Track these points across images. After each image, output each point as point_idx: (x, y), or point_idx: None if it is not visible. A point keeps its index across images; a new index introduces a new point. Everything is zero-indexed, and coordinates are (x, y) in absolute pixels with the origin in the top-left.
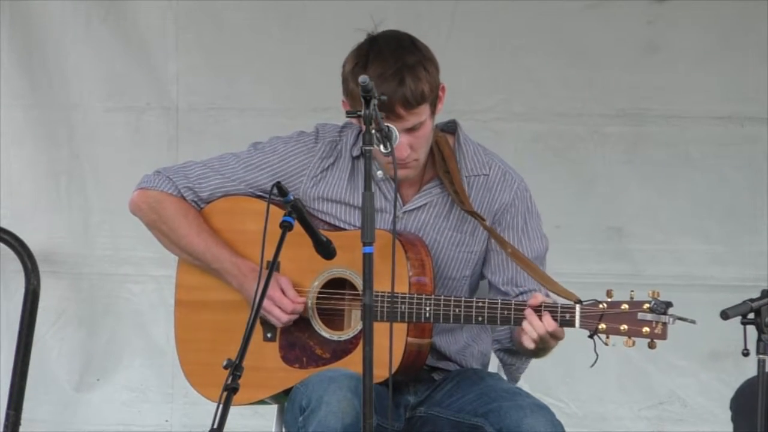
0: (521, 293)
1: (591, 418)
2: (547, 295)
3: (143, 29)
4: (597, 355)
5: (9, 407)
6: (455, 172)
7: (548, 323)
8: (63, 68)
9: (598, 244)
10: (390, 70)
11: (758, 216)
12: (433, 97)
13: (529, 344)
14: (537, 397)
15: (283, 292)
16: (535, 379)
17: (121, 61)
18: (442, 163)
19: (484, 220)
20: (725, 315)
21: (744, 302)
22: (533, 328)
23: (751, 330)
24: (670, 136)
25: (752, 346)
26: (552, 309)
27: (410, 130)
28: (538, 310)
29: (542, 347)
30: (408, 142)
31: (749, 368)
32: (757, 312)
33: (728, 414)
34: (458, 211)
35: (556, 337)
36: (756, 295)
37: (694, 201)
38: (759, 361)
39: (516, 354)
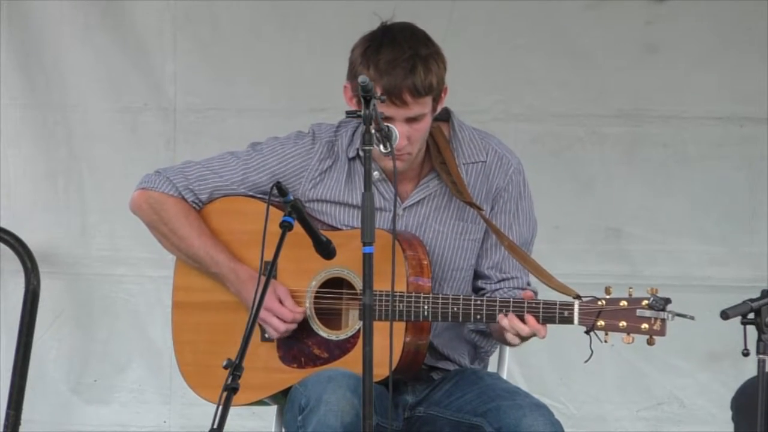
0: (503, 279)
1: (589, 419)
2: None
3: (141, 30)
4: (592, 351)
5: (9, 407)
6: (451, 161)
7: (532, 325)
8: (61, 69)
9: (596, 245)
10: (403, 56)
11: (757, 216)
12: (437, 93)
13: (514, 341)
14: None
15: (281, 302)
16: (534, 379)
17: (118, 61)
18: (437, 155)
19: (482, 210)
20: (725, 315)
21: (744, 302)
22: (517, 329)
23: (751, 330)
24: (669, 136)
25: (752, 346)
26: (550, 306)
27: (411, 121)
28: (533, 306)
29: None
30: (406, 133)
31: (748, 368)
32: (757, 312)
33: (727, 415)
34: (458, 200)
35: (539, 336)
36: (756, 295)
37: (693, 201)
38: (759, 361)
39: (488, 337)
